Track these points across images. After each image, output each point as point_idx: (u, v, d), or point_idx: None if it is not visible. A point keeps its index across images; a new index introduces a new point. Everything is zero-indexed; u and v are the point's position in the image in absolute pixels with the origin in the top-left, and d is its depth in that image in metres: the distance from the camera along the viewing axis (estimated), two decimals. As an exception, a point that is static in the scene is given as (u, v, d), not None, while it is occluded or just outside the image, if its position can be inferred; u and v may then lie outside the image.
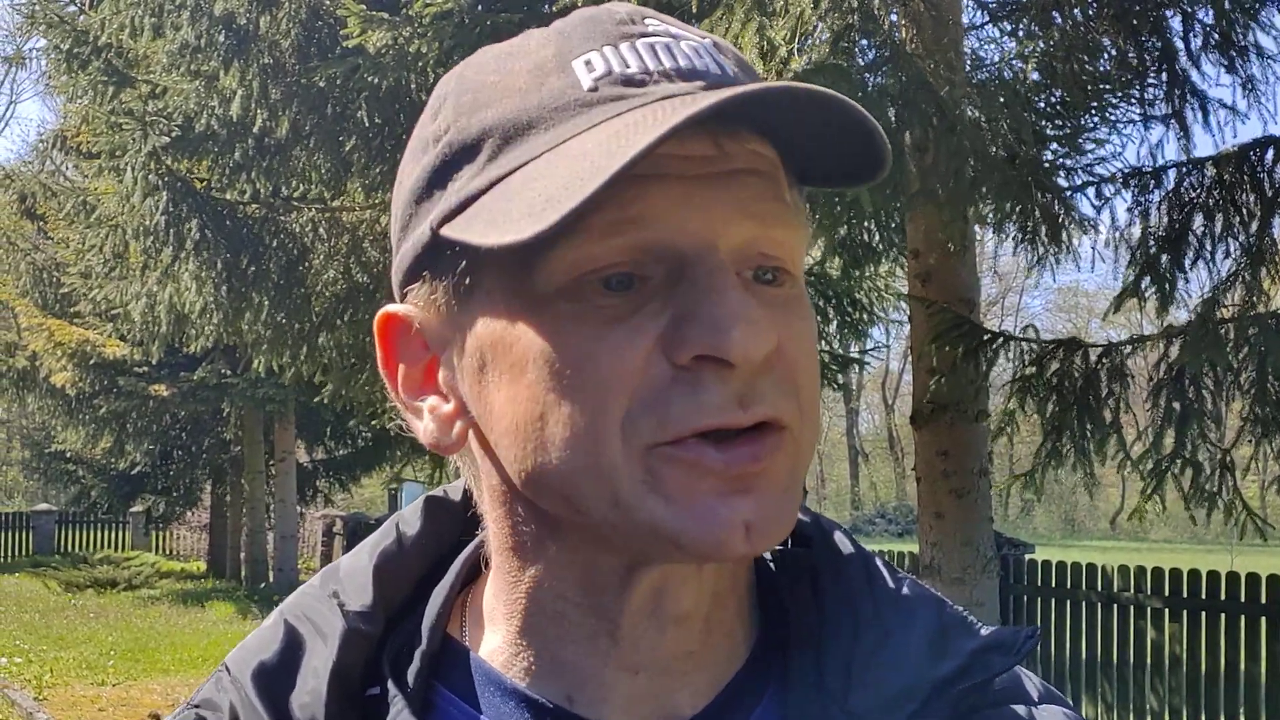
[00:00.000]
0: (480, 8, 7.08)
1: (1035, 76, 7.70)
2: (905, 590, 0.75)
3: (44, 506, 27.91)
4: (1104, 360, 5.66)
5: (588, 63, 0.67)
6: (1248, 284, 5.20)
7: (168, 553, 26.98)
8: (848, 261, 10.96)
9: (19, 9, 10.25)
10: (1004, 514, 48.23)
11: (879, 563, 0.77)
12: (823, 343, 11.62)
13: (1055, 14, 7.55)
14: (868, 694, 0.69)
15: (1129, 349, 5.68)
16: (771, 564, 0.78)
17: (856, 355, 11.58)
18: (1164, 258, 5.88)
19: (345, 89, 7.86)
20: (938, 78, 5.84)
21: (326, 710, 0.71)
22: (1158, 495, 5.38)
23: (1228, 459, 5.53)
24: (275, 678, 0.73)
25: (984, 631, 0.73)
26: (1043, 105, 7.82)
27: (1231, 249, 5.44)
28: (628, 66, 0.67)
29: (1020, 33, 8.15)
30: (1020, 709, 0.74)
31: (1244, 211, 5.47)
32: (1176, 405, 5.34)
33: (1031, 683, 0.77)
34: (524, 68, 0.69)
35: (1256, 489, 6.98)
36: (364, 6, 6.94)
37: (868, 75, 6.12)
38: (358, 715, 0.72)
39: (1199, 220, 5.71)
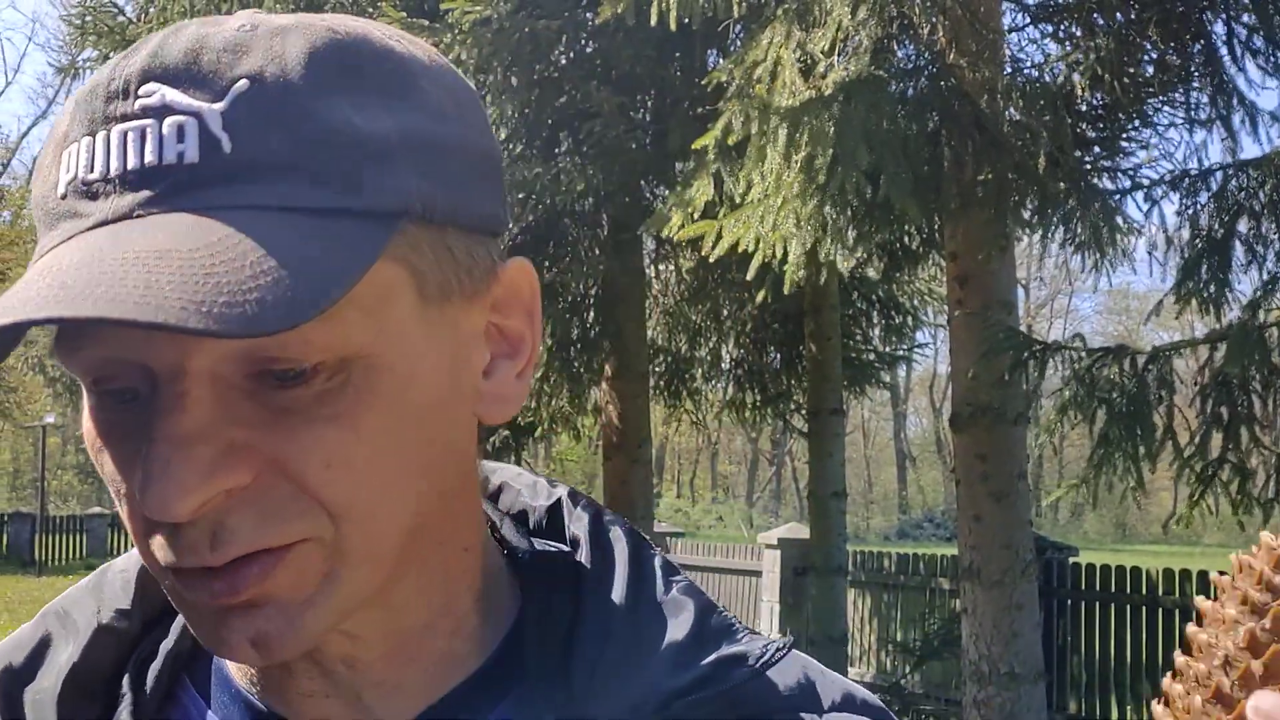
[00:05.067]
0: (520, 14, 7.11)
1: (1077, 78, 7.66)
2: (672, 594, 0.72)
3: (97, 510, 28.29)
4: (1150, 367, 5.61)
5: (71, 155, 0.60)
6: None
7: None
8: (888, 265, 10.94)
9: (70, 20, 10.39)
10: (1054, 519, 47.75)
11: (656, 564, 0.73)
12: (864, 344, 11.59)
13: (1097, 16, 7.50)
14: (607, 703, 0.66)
15: (1175, 354, 5.61)
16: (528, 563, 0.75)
17: (903, 354, 11.54)
18: (1210, 261, 5.82)
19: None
20: (976, 87, 5.81)
21: (59, 707, 0.70)
22: (1205, 501, 5.32)
23: None
24: (18, 676, 0.72)
25: (741, 641, 0.70)
26: (1084, 108, 7.77)
27: (1278, 251, 5.37)
28: (91, 170, 0.59)
29: (1062, 35, 8.11)
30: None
31: (1286, 213, 5.41)
32: (1223, 410, 5.28)
33: (831, 690, 0.73)
34: (50, 145, 0.63)
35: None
36: (405, 14, 7.00)
37: (907, 84, 6.11)
38: (99, 710, 0.71)
39: (1245, 223, 5.64)
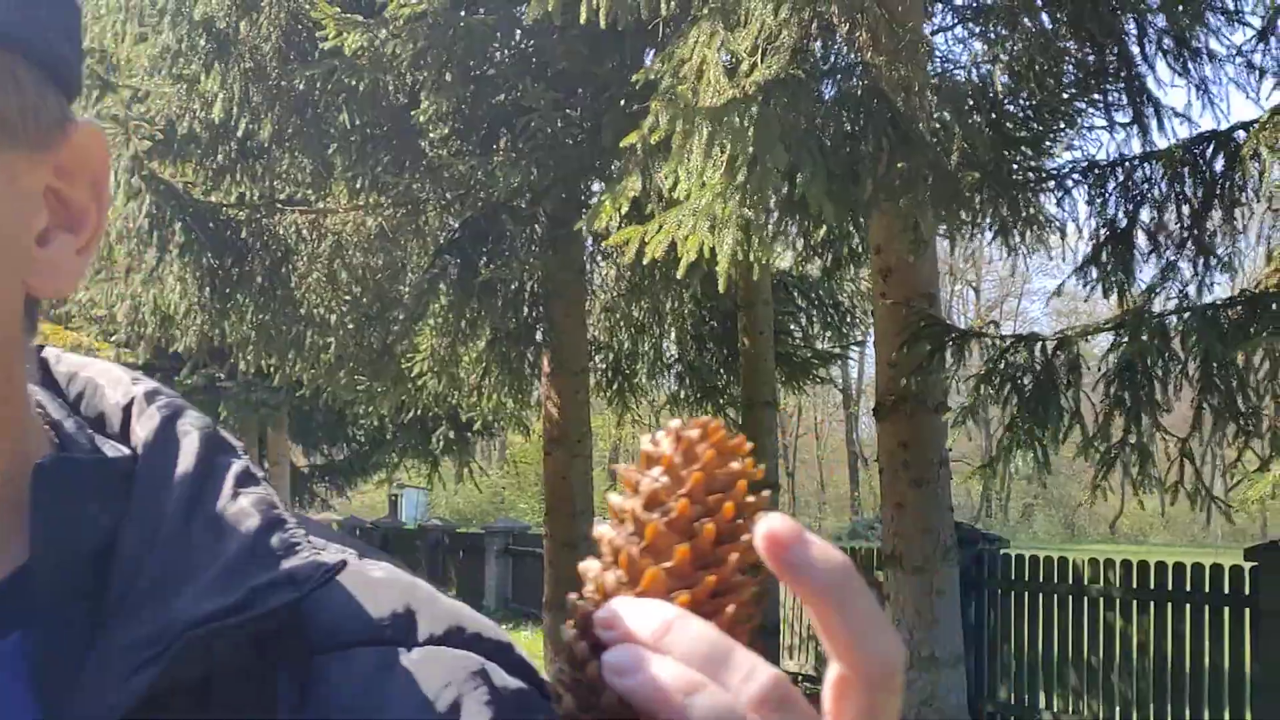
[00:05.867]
0: (455, 10, 7.22)
1: (1005, 79, 7.87)
2: (239, 504, 0.63)
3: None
4: (1058, 353, 5.79)
5: None
6: (1184, 275, 5.34)
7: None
8: (829, 263, 11.12)
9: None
10: (1004, 518, 48.04)
11: (230, 472, 0.65)
12: (804, 341, 11.77)
13: (1025, 17, 7.71)
14: (126, 631, 0.57)
15: (1082, 341, 5.81)
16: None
17: (841, 350, 11.73)
18: (1113, 249, 6.02)
19: (325, 92, 8.00)
20: (893, 86, 5.98)
21: None
22: (1108, 482, 5.50)
23: (1185, 447, 5.65)
24: None
25: (297, 560, 0.61)
26: (1012, 108, 7.98)
27: (1175, 240, 5.58)
28: None
29: (990, 35, 8.31)
30: (373, 652, 0.63)
31: (1191, 204, 5.61)
32: (1125, 395, 5.47)
33: (435, 621, 0.65)
34: None
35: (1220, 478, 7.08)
36: (339, 9, 7.08)
37: (826, 84, 6.28)
38: None
39: (1148, 213, 5.85)
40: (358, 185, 9.01)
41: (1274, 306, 4.87)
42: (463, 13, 7.17)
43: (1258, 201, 5.17)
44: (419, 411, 12.35)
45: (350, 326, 10.18)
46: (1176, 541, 43.00)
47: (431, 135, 8.35)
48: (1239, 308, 5.04)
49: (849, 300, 11.91)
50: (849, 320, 11.93)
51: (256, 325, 10.05)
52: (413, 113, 7.59)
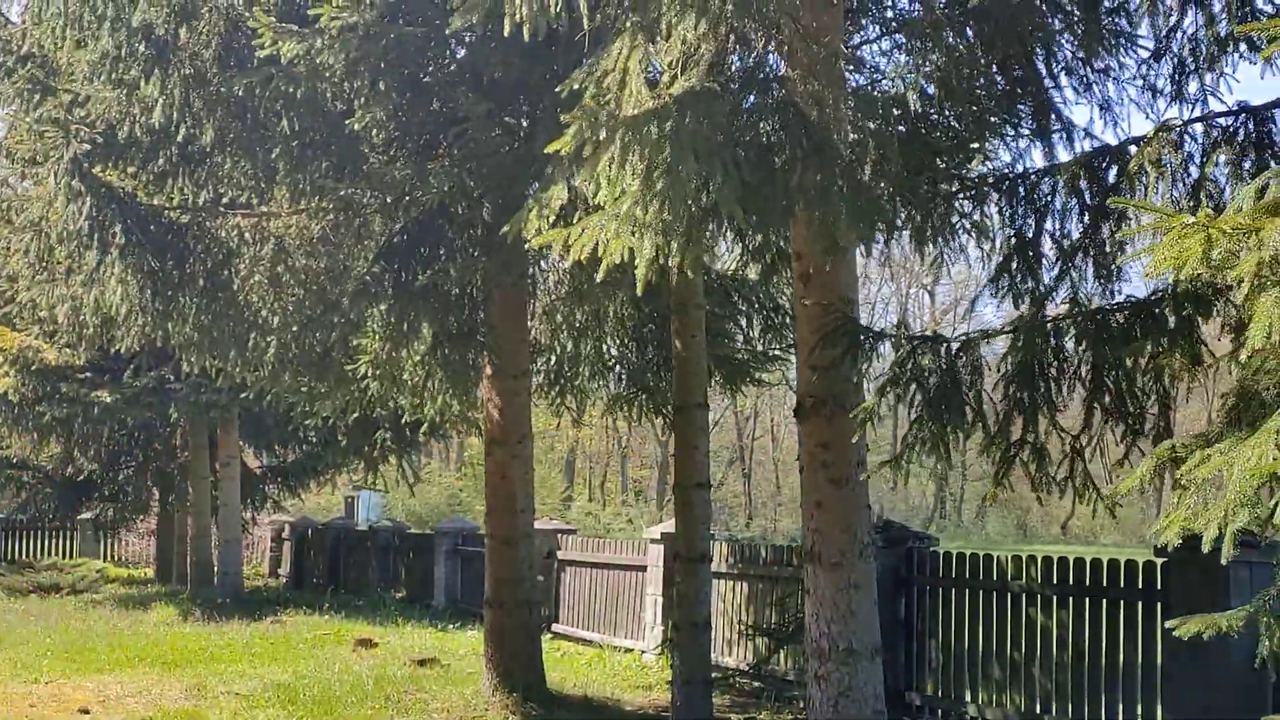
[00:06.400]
0: (387, 20, 7.38)
1: (931, 90, 8.12)
2: None
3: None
4: (961, 354, 6.03)
5: None
6: (1075, 282, 5.59)
7: (116, 559, 27.02)
8: (766, 266, 11.34)
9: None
10: (957, 519, 48.30)
11: None
12: (744, 343, 11.98)
13: (947, 33, 7.96)
14: None
15: (985, 343, 6.05)
16: None
17: (778, 352, 11.96)
18: (1021, 257, 6.27)
19: (264, 98, 8.13)
20: (808, 98, 6.20)
21: None
22: (1007, 480, 5.75)
23: (1077, 444, 5.90)
24: None
25: None
26: (935, 118, 8.24)
27: (1073, 247, 5.83)
28: None
29: (913, 48, 8.56)
30: None
31: (1088, 215, 5.87)
32: (1023, 396, 5.71)
33: None
34: None
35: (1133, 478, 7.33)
36: (275, 19, 7.23)
37: (744, 95, 6.48)
38: None
39: (1051, 222, 6.10)
40: (299, 189, 9.15)
41: (1157, 312, 5.13)
42: (394, 22, 7.32)
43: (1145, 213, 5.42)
44: (368, 413, 12.49)
45: (293, 329, 10.31)
46: (1126, 542, 43.67)
47: (371, 141, 8.51)
48: (1125, 314, 5.30)
49: (789, 303, 12.14)
50: (789, 323, 12.15)
51: (199, 327, 10.17)
52: (348, 120, 7.75)
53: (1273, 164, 4.89)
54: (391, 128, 8.32)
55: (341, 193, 9.09)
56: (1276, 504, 3.62)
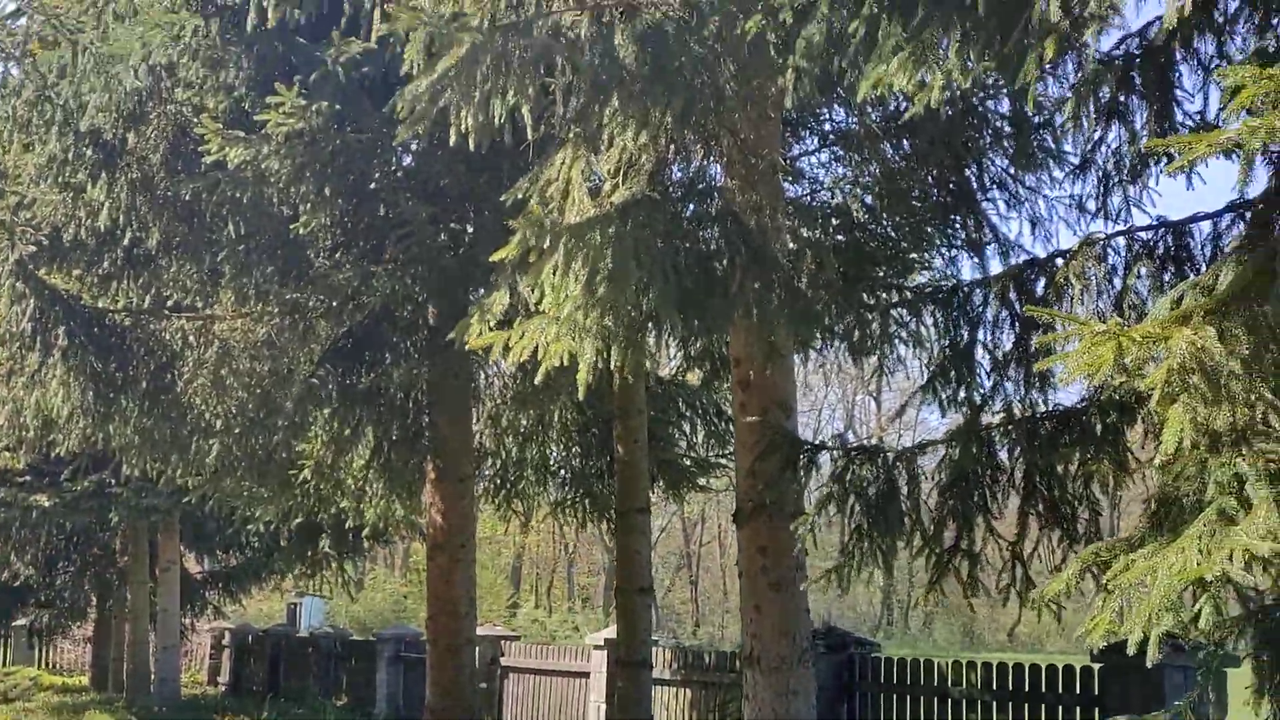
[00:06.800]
0: (334, 128, 7.50)
1: (870, 200, 8.34)
2: None
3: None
4: (898, 464, 6.11)
5: None
6: (1006, 391, 5.72)
7: (51, 667, 26.30)
8: (708, 372, 11.45)
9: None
10: (904, 626, 47.98)
11: None
12: (689, 448, 12.04)
13: (883, 145, 8.21)
14: None
15: (920, 453, 6.13)
16: None
17: (720, 458, 12.02)
18: (957, 366, 6.40)
19: (211, 202, 8.19)
20: (747, 208, 6.36)
21: None
22: (940, 586, 5.79)
23: (1016, 550, 5.97)
24: None
25: None
26: (872, 228, 8.45)
27: (1005, 357, 5.97)
28: None
29: (850, 160, 8.81)
30: None
31: (1017, 324, 6.02)
32: (958, 504, 5.79)
33: None
34: None
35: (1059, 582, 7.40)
36: (222, 125, 7.32)
37: (684, 205, 6.63)
38: None
39: (984, 332, 6.24)
40: (245, 293, 9.17)
41: (1084, 420, 5.25)
42: (341, 130, 7.44)
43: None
44: (312, 518, 12.37)
45: (236, 432, 10.25)
46: (1072, 648, 43.62)
47: (316, 246, 8.58)
48: (1055, 422, 5.41)
49: (731, 409, 12.23)
50: (731, 429, 12.23)
51: (141, 430, 10.08)
52: (293, 225, 7.82)
53: (1191, 275, 5.06)
54: (337, 232, 8.41)
55: (287, 296, 9.12)
56: (1199, 608, 3.68)
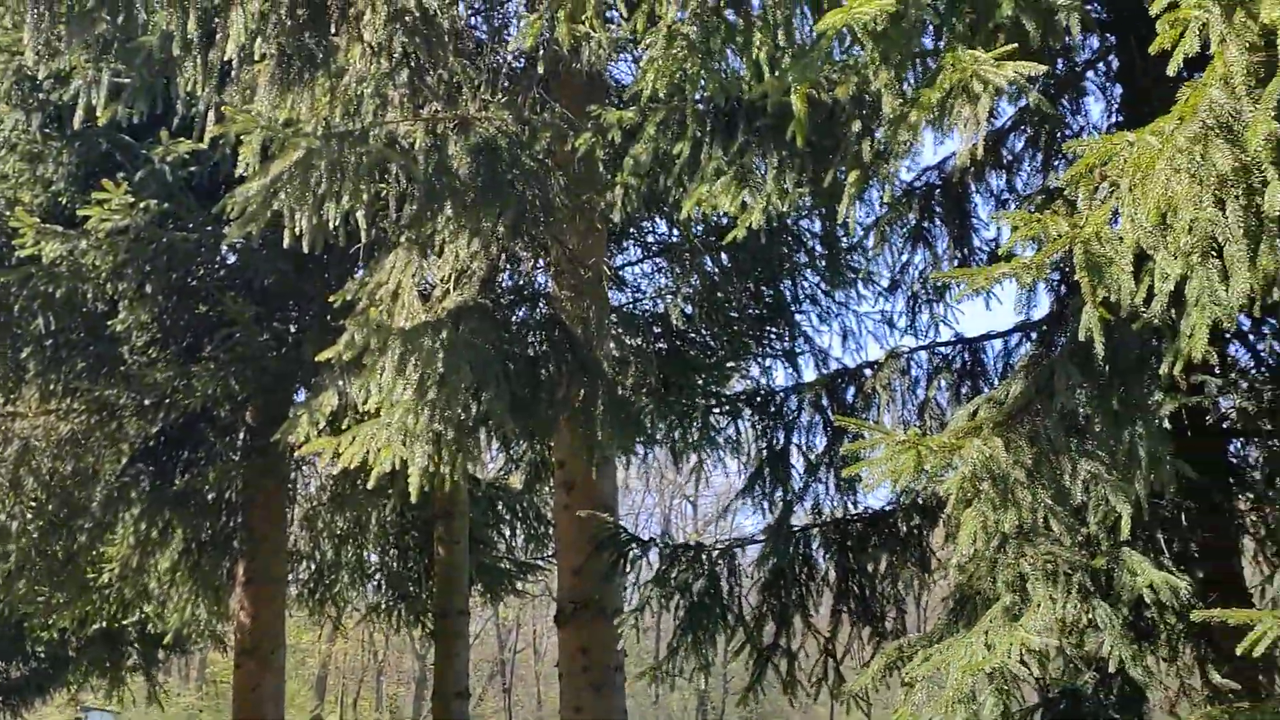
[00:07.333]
0: (158, 225, 7.44)
1: (690, 310, 8.66)
2: None
3: None
4: (720, 561, 6.33)
5: None
6: (818, 493, 6.03)
7: None
8: (530, 476, 11.55)
9: None
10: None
11: None
12: (507, 551, 12.06)
13: (704, 257, 8.58)
14: None
15: (741, 551, 6.37)
16: None
17: (538, 561, 12.06)
18: (772, 468, 6.69)
19: (20, 296, 7.97)
20: (574, 317, 6.58)
21: None
22: (761, 683, 5.99)
23: (830, 646, 6.22)
24: None
25: None
26: (693, 336, 8.77)
27: (817, 461, 6.28)
28: None
29: (673, 270, 9.16)
30: None
31: (829, 430, 6.35)
32: (775, 601, 6.03)
33: None
34: None
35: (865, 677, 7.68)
36: (39, 219, 7.18)
37: (514, 311, 6.82)
38: None
39: (798, 437, 6.56)
40: (50, 389, 8.89)
41: (891, 522, 5.57)
42: (165, 227, 7.38)
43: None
44: (107, 625, 11.86)
45: (34, 535, 9.83)
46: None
47: (131, 343, 8.41)
48: (863, 524, 5.73)
49: (552, 513, 12.32)
50: (551, 532, 12.31)
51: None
52: (110, 321, 7.68)
53: (985, 389, 5.48)
54: (155, 329, 8.27)
55: (96, 393, 8.88)
56: (984, 700, 3.96)
